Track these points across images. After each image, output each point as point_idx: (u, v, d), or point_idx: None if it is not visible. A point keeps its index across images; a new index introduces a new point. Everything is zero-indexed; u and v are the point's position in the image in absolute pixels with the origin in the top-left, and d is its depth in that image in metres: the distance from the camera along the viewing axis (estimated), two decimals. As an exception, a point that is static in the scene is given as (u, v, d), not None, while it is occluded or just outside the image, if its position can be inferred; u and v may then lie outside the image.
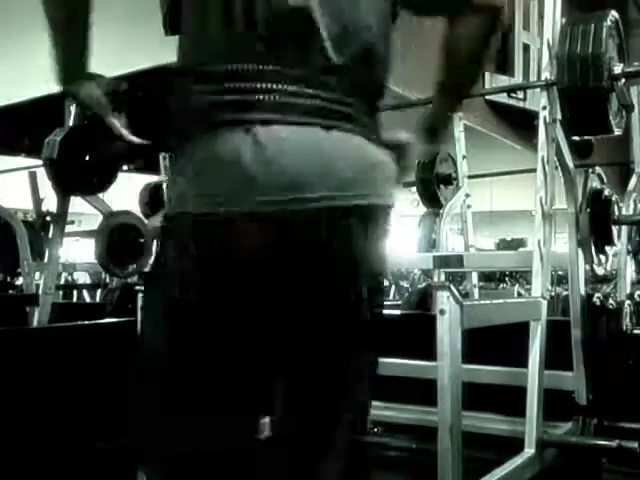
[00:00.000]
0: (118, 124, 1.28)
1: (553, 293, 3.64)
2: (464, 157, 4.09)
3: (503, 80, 5.99)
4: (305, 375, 1.16)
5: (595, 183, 2.57)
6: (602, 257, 2.57)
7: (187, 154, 1.07)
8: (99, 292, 5.91)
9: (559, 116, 2.29)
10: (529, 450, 2.05)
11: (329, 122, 1.04)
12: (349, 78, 1.06)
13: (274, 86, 1.01)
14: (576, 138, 2.45)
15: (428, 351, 1.68)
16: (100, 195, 3.82)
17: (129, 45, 3.67)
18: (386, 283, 7.35)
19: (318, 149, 1.02)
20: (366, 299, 1.11)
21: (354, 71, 1.06)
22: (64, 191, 3.42)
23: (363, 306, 1.11)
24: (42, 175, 3.77)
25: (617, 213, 2.62)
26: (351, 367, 1.21)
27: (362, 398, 1.30)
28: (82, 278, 7.41)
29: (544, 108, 2.27)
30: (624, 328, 2.71)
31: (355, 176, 1.04)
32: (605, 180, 2.66)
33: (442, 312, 1.58)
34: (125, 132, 1.29)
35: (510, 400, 2.30)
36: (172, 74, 1.15)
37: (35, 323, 3.31)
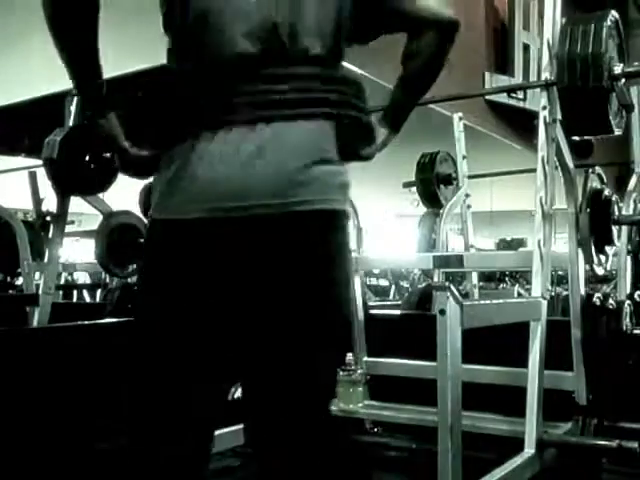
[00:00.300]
0: (128, 146, 1.28)
1: (553, 293, 3.64)
2: (464, 157, 4.09)
3: (503, 80, 6.00)
4: (256, 374, 1.21)
5: (595, 183, 2.57)
6: (602, 257, 2.57)
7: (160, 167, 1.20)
8: (99, 292, 5.91)
9: (559, 116, 2.29)
10: (529, 450, 2.05)
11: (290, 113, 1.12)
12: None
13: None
14: (576, 138, 2.45)
15: (428, 351, 1.68)
16: (100, 195, 3.82)
17: (126, 46, 3.67)
18: (386, 283, 7.36)
19: (259, 157, 1.10)
20: (315, 299, 1.16)
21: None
22: (64, 191, 3.42)
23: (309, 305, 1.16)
24: (42, 175, 3.77)
25: (617, 213, 2.62)
26: (301, 365, 1.20)
27: (325, 397, 1.30)
28: (82, 278, 7.41)
29: (544, 108, 2.27)
30: (624, 328, 2.71)
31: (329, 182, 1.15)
32: (605, 180, 2.66)
33: (442, 312, 1.58)
34: (134, 150, 1.29)
35: (510, 400, 2.30)
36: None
37: (35, 323, 3.31)
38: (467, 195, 4.11)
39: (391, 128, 1.41)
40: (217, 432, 2.39)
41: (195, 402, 1.23)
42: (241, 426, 2.34)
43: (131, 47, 3.65)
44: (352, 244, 3.01)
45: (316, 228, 1.15)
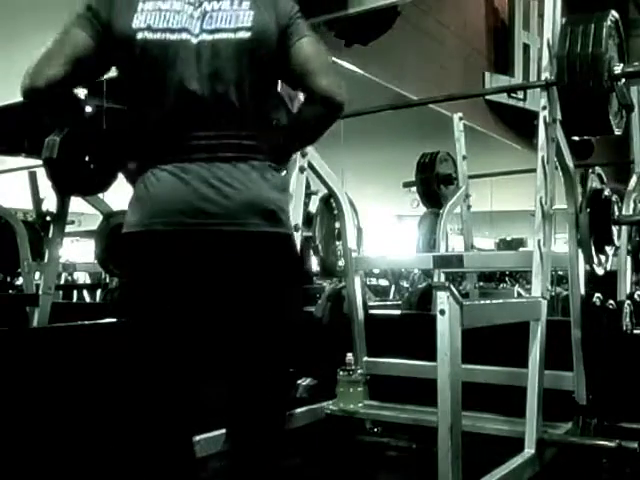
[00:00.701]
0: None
1: (553, 293, 3.64)
2: (464, 157, 4.09)
3: (503, 80, 5.99)
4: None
5: (595, 183, 2.57)
6: (602, 257, 2.57)
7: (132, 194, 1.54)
8: (99, 292, 5.91)
9: (559, 116, 2.29)
10: (529, 450, 2.05)
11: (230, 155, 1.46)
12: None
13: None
14: (576, 138, 2.45)
15: (428, 351, 1.68)
16: (100, 195, 3.82)
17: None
18: (386, 283, 7.36)
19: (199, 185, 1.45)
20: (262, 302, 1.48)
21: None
22: (64, 191, 3.42)
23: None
24: (42, 175, 3.77)
25: (617, 213, 2.62)
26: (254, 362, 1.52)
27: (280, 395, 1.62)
28: (82, 278, 7.40)
29: (544, 108, 2.27)
30: (624, 328, 2.71)
31: (248, 210, 1.46)
32: (605, 180, 2.66)
33: (442, 312, 1.58)
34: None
35: (510, 400, 2.30)
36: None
37: (35, 323, 3.31)
38: (467, 195, 4.11)
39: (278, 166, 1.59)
40: (217, 433, 2.41)
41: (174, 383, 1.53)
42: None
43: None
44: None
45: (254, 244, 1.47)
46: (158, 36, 1.44)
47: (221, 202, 1.43)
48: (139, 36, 1.44)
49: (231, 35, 1.46)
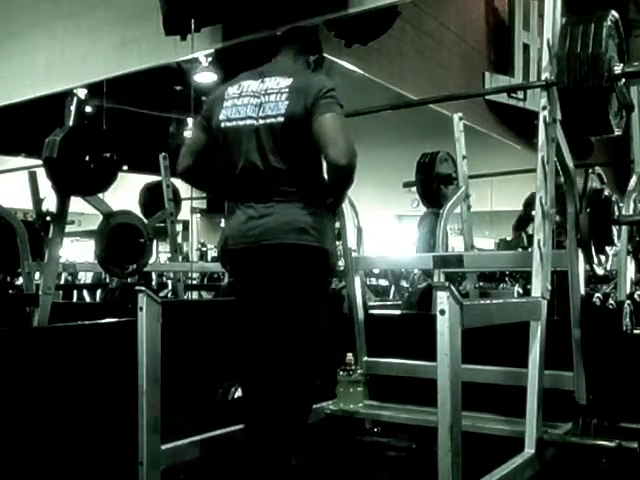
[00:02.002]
0: None
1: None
2: (464, 157, 4.09)
3: (503, 80, 5.99)
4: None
5: (595, 183, 2.57)
6: (602, 257, 2.57)
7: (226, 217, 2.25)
8: (99, 292, 5.91)
9: (559, 116, 2.29)
10: (529, 450, 2.05)
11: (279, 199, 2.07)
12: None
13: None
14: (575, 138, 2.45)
15: (428, 351, 1.68)
16: (100, 195, 3.82)
17: (126, 46, 3.67)
18: (386, 283, 7.35)
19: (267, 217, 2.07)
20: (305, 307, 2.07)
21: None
22: (64, 191, 3.42)
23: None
24: (42, 175, 3.77)
25: (617, 213, 2.62)
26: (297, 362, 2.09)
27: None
28: (82, 279, 7.40)
29: (544, 108, 2.27)
30: (624, 328, 2.71)
31: (284, 229, 2.04)
32: (605, 180, 2.66)
33: (442, 312, 1.58)
34: None
35: (510, 400, 2.30)
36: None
37: (35, 323, 3.31)
38: (467, 195, 4.11)
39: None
40: (217, 432, 2.41)
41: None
42: (240, 426, 2.35)
43: (131, 47, 3.65)
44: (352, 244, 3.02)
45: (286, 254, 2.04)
46: (233, 124, 2.12)
47: (263, 225, 2.04)
48: (222, 125, 2.13)
49: (273, 120, 2.05)
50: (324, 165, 2.07)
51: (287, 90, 2.06)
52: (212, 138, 2.17)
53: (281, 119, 2.03)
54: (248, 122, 2.08)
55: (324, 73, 2.31)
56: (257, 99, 2.09)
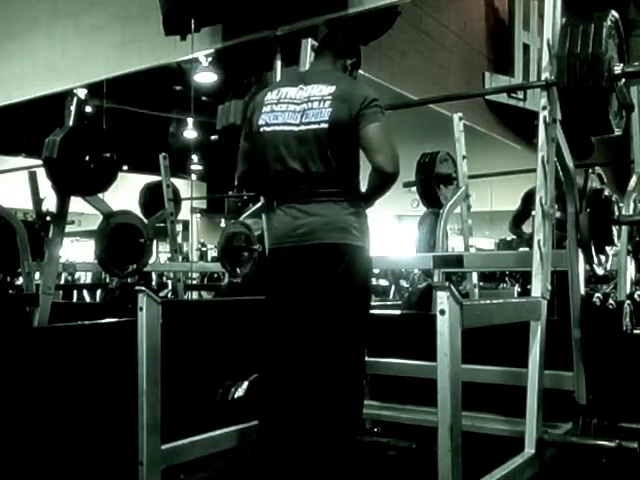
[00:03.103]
0: None
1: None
2: (464, 157, 4.09)
3: (503, 80, 5.99)
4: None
5: (595, 183, 2.57)
6: (602, 257, 2.57)
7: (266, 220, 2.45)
8: (99, 292, 5.91)
9: (559, 116, 2.29)
10: (529, 450, 2.05)
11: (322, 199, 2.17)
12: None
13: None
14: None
15: (428, 351, 1.68)
16: (100, 195, 3.82)
17: (126, 46, 3.68)
18: (386, 283, 7.36)
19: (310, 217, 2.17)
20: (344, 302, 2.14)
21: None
22: (64, 191, 3.42)
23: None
24: (42, 175, 3.77)
25: (617, 213, 2.62)
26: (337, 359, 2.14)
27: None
28: (82, 278, 7.40)
29: (544, 108, 2.27)
30: (624, 328, 2.71)
31: (326, 228, 2.14)
32: (605, 180, 2.66)
33: (442, 312, 1.58)
34: None
35: (510, 400, 2.30)
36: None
37: (35, 323, 3.30)
38: (467, 195, 4.11)
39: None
40: (217, 432, 2.41)
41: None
42: (241, 426, 2.35)
43: (131, 47, 3.65)
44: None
45: (329, 252, 2.15)
46: (271, 129, 2.20)
47: (307, 225, 2.14)
48: (261, 129, 2.22)
49: (317, 126, 2.14)
50: (368, 169, 2.17)
51: (330, 98, 2.14)
52: (251, 141, 2.28)
53: (325, 125, 2.13)
54: (287, 128, 2.17)
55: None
56: (298, 106, 2.18)
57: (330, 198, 2.15)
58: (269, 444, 2.16)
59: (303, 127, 2.15)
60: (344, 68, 2.31)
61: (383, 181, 2.15)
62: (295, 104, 2.19)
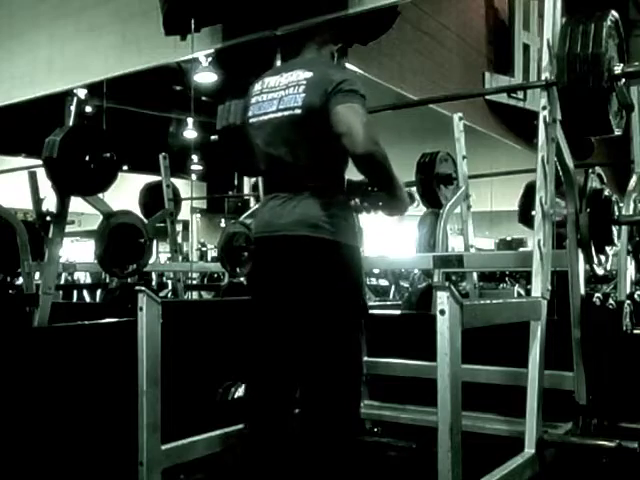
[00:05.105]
0: None
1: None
2: (464, 157, 4.09)
3: (503, 80, 5.99)
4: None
5: (595, 183, 2.57)
6: (602, 257, 2.57)
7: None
8: (99, 292, 5.91)
9: (559, 116, 2.29)
10: (529, 450, 2.05)
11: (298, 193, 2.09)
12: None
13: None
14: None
15: (428, 351, 1.68)
16: (100, 195, 3.82)
17: (126, 46, 3.68)
18: (386, 283, 7.36)
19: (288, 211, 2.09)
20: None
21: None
22: (64, 191, 3.42)
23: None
24: (42, 175, 3.77)
25: (617, 213, 2.62)
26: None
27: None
28: (82, 278, 7.40)
29: (544, 108, 2.27)
30: (624, 328, 2.71)
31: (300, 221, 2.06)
32: (605, 180, 2.66)
33: (442, 312, 1.58)
34: None
35: (510, 400, 2.30)
36: None
37: (35, 323, 3.30)
38: (467, 195, 4.11)
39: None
40: (217, 432, 2.41)
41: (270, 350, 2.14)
42: (240, 426, 2.35)
43: (131, 47, 3.65)
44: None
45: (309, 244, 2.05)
46: (256, 119, 2.17)
47: (283, 217, 2.06)
48: (250, 120, 2.20)
49: (291, 112, 2.06)
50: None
51: (305, 82, 2.05)
52: (248, 136, 2.25)
53: (299, 111, 2.04)
54: (266, 117, 2.12)
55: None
56: (276, 93, 2.11)
57: (310, 191, 2.06)
58: (255, 449, 2.11)
59: (279, 114, 2.08)
60: (331, 56, 2.25)
61: (359, 165, 1.99)
62: (274, 92, 2.13)
